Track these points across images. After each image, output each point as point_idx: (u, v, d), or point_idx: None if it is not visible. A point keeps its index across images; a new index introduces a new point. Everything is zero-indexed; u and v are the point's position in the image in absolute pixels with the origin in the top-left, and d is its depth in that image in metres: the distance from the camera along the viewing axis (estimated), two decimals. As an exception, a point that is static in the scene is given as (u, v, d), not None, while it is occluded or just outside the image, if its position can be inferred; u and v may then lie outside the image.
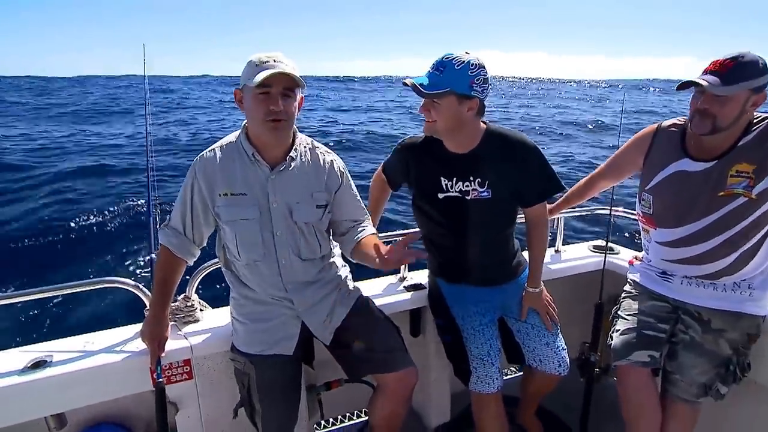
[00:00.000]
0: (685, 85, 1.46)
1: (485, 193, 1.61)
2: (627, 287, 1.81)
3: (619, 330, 1.68)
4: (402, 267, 2.01)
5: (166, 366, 1.53)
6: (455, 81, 1.45)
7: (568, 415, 1.98)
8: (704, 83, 1.41)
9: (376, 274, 2.05)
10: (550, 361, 1.70)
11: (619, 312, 1.75)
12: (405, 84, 1.49)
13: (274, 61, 1.32)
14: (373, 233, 1.59)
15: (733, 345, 1.53)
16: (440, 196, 1.65)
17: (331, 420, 2.17)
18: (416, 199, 1.76)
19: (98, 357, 1.46)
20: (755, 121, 1.49)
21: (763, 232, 1.49)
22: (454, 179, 1.62)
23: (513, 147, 1.59)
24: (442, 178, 1.64)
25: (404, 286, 1.94)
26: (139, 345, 1.50)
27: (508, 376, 2.28)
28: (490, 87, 1.53)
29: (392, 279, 2.01)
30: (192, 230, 1.46)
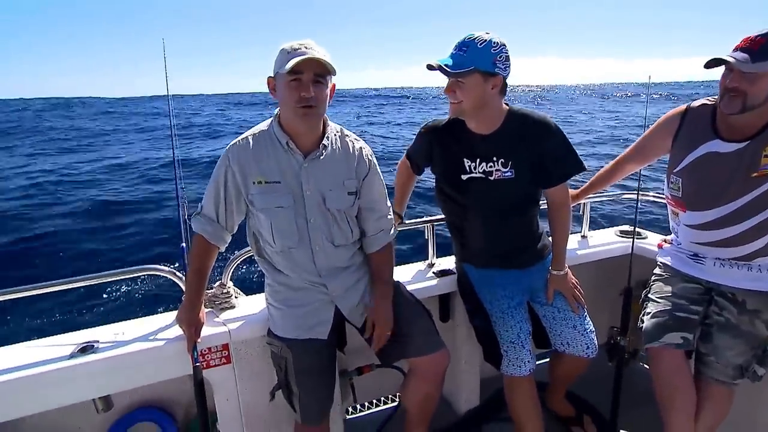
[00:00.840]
0: (713, 63, 1.44)
1: (508, 173, 1.62)
2: (657, 270, 1.80)
3: (650, 312, 1.67)
4: (430, 252, 2.03)
5: (205, 350, 1.57)
6: (479, 59, 1.47)
7: (598, 400, 1.98)
8: (732, 60, 1.39)
9: (405, 260, 2.07)
10: (578, 343, 1.70)
11: (649, 295, 1.74)
12: (430, 66, 1.51)
13: (306, 47, 1.33)
14: (384, 246, 1.62)
15: None
16: (464, 177, 1.66)
17: (360, 405, 2.21)
18: (440, 182, 1.77)
19: (140, 343, 1.51)
20: None
21: None
22: (478, 160, 1.64)
23: (536, 127, 1.61)
24: (465, 159, 1.65)
25: (433, 272, 1.96)
26: (177, 331, 1.54)
27: (539, 362, 2.29)
28: (511, 65, 1.55)
29: (421, 266, 2.03)
30: (225, 217, 1.49)
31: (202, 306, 1.53)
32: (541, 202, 1.77)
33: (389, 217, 1.63)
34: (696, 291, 1.65)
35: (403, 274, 1.97)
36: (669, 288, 1.69)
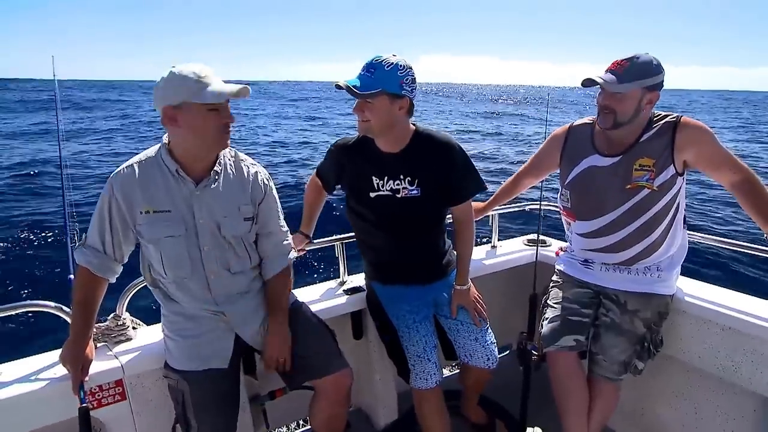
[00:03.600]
0: (587, 82, 1.58)
1: (415, 191, 1.66)
2: (554, 277, 1.92)
3: (547, 318, 1.78)
4: (341, 270, 2.03)
5: (95, 389, 1.47)
6: (386, 81, 1.51)
7: (511, 403, 2.07)
8: (600, 81, 1.54)
9: (315, 279, 2.06)
10: (480, 355, 1.77)
11: (548, 301, 1.85)
12: (338, 86, 1.53)
13: (211, 74, 1.31)
14: (283, 270, 1.59)
15: (646, 324, 1.66)
16: (372, 195, 1.69)
17: (278, 429, 2.16)
18: (349, 200, 1.79)
19: (20, 385, 1.38)
20: (655, 118, 1.63)
21: (667, 220, 1.63)
22: (386, 178, 1.67)
23: (440, 147, 1.67)
24: (373, 177, 1.68)
25: (344, 290, 1.96)
26: (62, 370, 1.42)
27: (451, 373, 2.35)
28: (417, 87, 1.60)
29: (332, 284, 2.03)
30: (113, 248, 1.41)
31: (91, 342, 1.43)
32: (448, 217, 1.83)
33: (286, 241, 1.62)
34: (587, 295, 1.77)
35: (313, 292, 1.96)
36: (564, 294, 1.81)
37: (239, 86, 1.33)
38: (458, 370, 2.37)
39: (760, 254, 1.66)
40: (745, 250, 1.71)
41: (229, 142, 1.40)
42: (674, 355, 1.76)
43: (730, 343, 1.61)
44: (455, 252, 1.83)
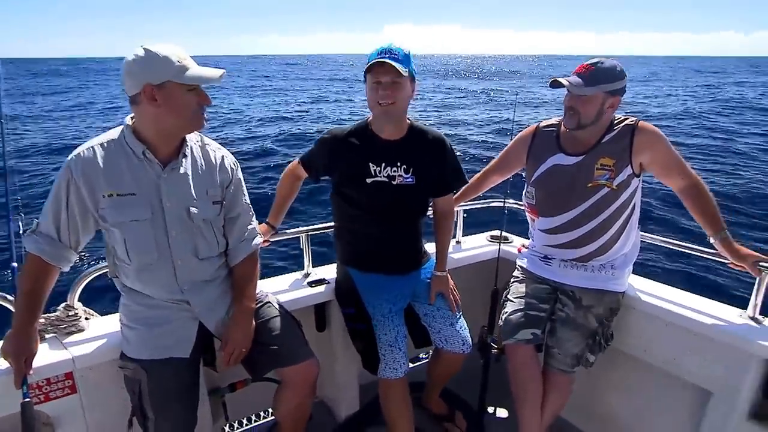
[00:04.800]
0: (555, 84, 1.65)
1: (409, 179, 1.71)
2: (515, 273, 1.98)
3: (507, 312, 1.83)
4: (306, 262, 2.02)
5: (42, 382, 1.41)
6: (411, 65, 1.59)
7: (471, 395, 2.12)
8: (566, 83, 1.60)
9: (280, 270, 2.04)
10: (455, 340, 1.82)
11: (508, 296, 1.90)
12: (383, 66, 1.53)
13: (189, 57, 1.31)
14: (248, 256, 1.57)
15: (599, 319, 1.74)
16: (368, 180, 1.71)
17: (241, 421, 2.13)
18: (341, 186, 1.78)
19: None
20: (616, 121, 1.70)
21: (623, 218, 1.71)
22: (383, 164, 1.70)
23: (435, 140, 1.76)
24: (370, 164, 1.71)
25: (308, 282, 1.95)
26: (5, 364, 1.34)
27: (414, 364, 2.38)
28: None
29: (297, 275, 2.01)
30: (69, 235, 1.34)
31: (36, 334, 1.36)
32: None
33: (251, 226, 1.60)
34: (545, 291, 1.84)
35: (278, 284, 1.94)
36: (524, 289, 1.87)
37: (221, 71, 1.35)
38: (419, 363, 2.42)
39: (703, 255, 1.76)
40: (690, 251, 1.81)
41: (205, 123, 1.39)
42: (623, 348, 1.86)
43: (672, 337, 1.71)
44: (433, 243, 1.91)
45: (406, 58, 1.57)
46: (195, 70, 1.31)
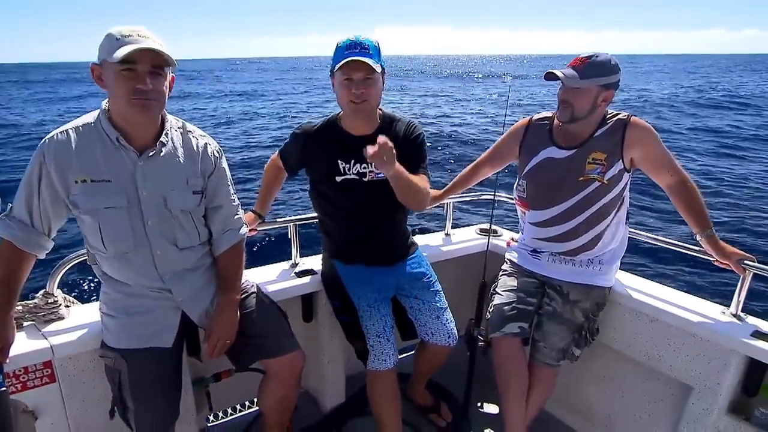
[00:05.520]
0: (550, 76, 1.64)
1: (381, 174, 1.64)
2: (504, 266, 1.98)
3: (495, 305, 1.83)
4: (294, 253, 2.00)
5: (19, 371, 1.37)
6: (380, 59, 1.53)
7: (457, 388, 2.13)
8: (561, 75, 1.59)
9: (267, 260, 2.02)
10: (441, 333, 1.81)
11: (496, 289, 1.90)
12: (357, 61, 1.47)
13: (139, 35, 1.21)
14: (233, 245, 1.53)
15: (585, 313, 1.75)
16: (338, 179, 1.67)
17: (225, 411, 2.11)
18: (315, 183, 1.76)
19: None
20: (609, 116, 1.70)
21: (612, 213, 1.71)
22: (353, 161, 1.65)
23: (405, 129, 1.69)
24: (339, 162, 1.66)
25: (296, 272, 1.92)
26: None
27: (401, 356, 2.38)
28: None
29: (284, 265, 1.99)
30: (41, 221, 1.30)
31: (12, 321, 1.32)
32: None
33: (237, 216, 1.56)
34: (533, 285, 1.84)
35: (265, 274, 1.91)
36: (512, 282, 1.87)
37: (148, 48, 1.19)
38: (405, 355, 2.42)
39: (689, 252, 1.77)
40: (676, 248, 1.82)
41: (145, 113, 1.26)
42: (607, 343, 1.87)
43: (655, 333, 1.73)
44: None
45: (376, 51, 1.51)
46: (127, 47, 1.18)
